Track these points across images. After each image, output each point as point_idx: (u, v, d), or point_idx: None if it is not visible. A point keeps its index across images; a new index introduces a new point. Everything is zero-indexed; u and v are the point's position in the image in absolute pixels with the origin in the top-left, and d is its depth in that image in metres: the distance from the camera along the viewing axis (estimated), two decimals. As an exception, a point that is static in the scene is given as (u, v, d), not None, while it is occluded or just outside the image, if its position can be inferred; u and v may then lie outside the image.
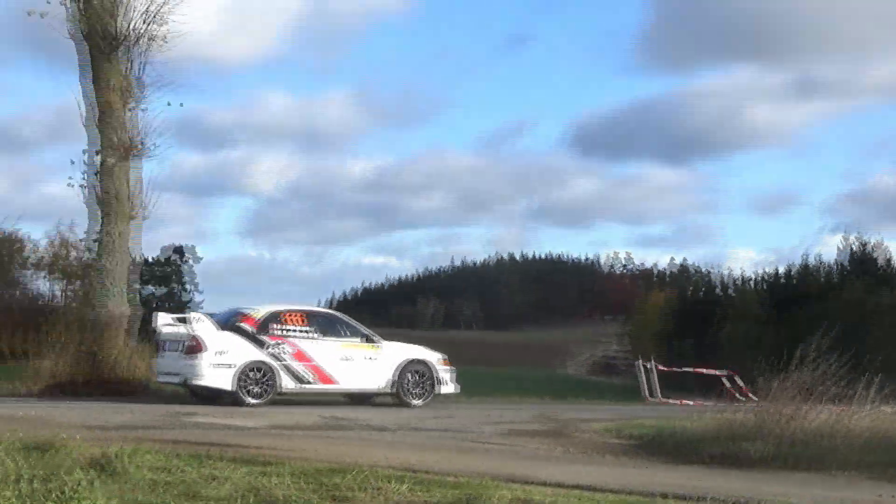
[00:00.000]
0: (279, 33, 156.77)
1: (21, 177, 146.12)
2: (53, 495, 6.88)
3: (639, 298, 65.96)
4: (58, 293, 79.90)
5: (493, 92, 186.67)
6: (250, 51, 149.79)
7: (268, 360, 17.29)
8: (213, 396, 17.10)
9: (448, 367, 18.73)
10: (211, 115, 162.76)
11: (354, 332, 18.29)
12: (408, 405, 17.90)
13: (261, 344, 17.37)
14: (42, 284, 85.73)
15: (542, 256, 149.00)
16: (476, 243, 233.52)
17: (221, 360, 17.06)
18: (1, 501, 6.58)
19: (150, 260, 75.80)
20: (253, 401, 16.94)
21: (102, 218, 20.13)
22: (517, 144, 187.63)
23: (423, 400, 18.19)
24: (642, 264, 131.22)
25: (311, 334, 17.80)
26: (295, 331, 17.71)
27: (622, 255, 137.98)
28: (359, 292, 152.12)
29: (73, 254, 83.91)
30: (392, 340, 18.93)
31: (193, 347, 17.09)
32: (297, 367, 17.50)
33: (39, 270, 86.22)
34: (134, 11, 20.39)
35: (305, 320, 17.95)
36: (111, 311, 19.71)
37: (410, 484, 8.00)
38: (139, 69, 20.69)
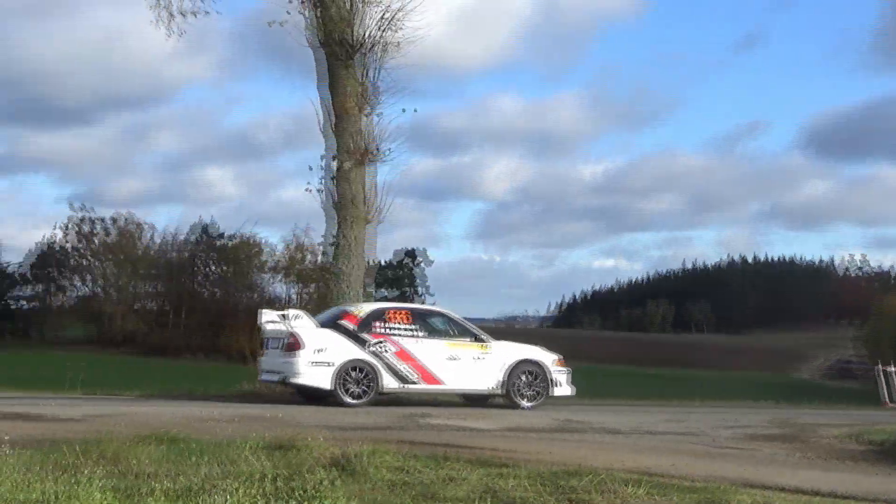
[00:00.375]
0: (510, 36, 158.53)
1: (259, 182, 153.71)
2: (297, 494, 7.07)
3: (875, 301, 62.85)
4: (293, 296, 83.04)
5: (724, 93, 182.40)
6: (482, 54, 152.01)
7: (369, 358, 16.95)
8: (319, 396, 16.86)
9: (563, 369, 17.96)
10: (443, 119, 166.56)
11: (463, 331, 17.79)
12: (517, 407, 17.24)
13: (362, 342, 17.04)
14: (279, 287, 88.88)
15: (775, 259, 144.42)
16: (706, 246, 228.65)
17: (320, 357, 16.77)
18: (247, 500, 6.79)
19: (384, 263, 77.86)
20: (352, 401, 16.57)
21: (339, 222, 20.70)
22: (749, 146, 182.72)
23: (535, 402, 17.45)
24: (879, 266, 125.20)
25: (415, 333, 17.36)
26: (398, 329, 17.32)
27: (857, 258, 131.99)
28: (588, 295, 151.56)
29: (309, 257, 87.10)
30: (504, 340, 18.50)
31: (292, 345, 16.83)
32: (400, 366, 17.10)
33: (276, 274, 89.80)
34: (370, 19, 20.88)
35: (410, 318, 17.58)
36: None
37: (647, 488, 7.82)
38: (374, 75, 21.14)
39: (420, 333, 17.35)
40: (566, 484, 7.83)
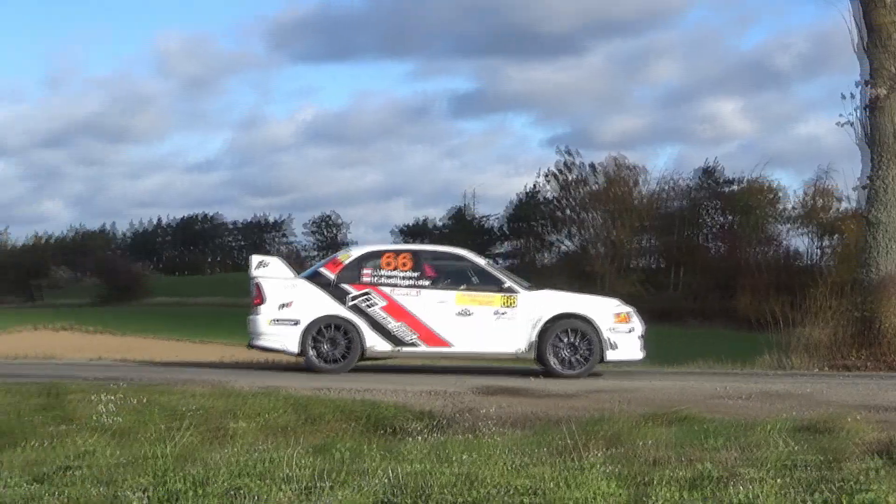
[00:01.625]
0: None
1: (772, 116, 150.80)
2: (832, 486, 7.06)
3: None
4: (815, 250, 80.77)
5: None
6: None
7: (346, 314, 16.24)
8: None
9: (626, 325, 16.15)
10: None
11: (487, 279, 16.51)
12: (556, 375, 15.70)
13: (341, 295, 16.32)
14: (797, 241, 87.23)
15: None
16: None
17: (284, 314, 16.27)
18: (772, 493, 6.89)
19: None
20: (326, 366, 16.04)
21: (873, 162, 19.97)
22: None
23: (578, 369, 15.86)
24: None
25: (416, 282, 16.37)
26: (393, 277, 16.41)
27: None
28: None
29: (834, 204, 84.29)
30: (544, 289, 16.84)
31: (254, 299, 16.51)
32: (390, 323, 16.26)
33: (789, 224, 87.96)
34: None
35: (411, 263, 16.52)
36: (884, 272, 19.47)
37: None
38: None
39: (423, 283, 16.44)
40: None
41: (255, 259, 17.06)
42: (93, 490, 6.64)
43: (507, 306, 16.18)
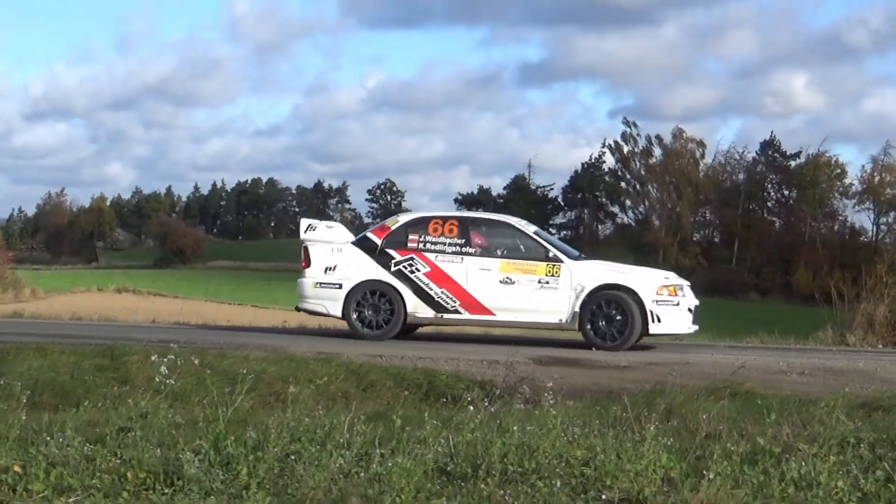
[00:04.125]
0: None
1: (840, 91, 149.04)
2: (885, 464, 7.02)
3: None
4: (876, 226, 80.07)
5: None
6: None
7: (389, 279, 16.18)
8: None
9: (672, 298, 15.70)
10: None
11: (534, 248, 16.20)
12: (595, 346, 15.41)
13: (386, 260, 16.23)
14: (859, 216, 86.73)
15: None
16: None
17: (329, 278, 16.30)
18: (825, 468, 6.85)
19: None
20: (369, 332, 16.02)
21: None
22: None
23: (616, 342, 15.49)
24: None
25: (461, 248, 16.19)
26: (438, 244, 16.24)
27: None
28: None
29: (891, 179, 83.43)
30: (592, 259, 16.66)
31: (302, 262, 16.59)
32: (433, 289, 16.12)
33: (854, 199, 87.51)
34: None
35: (457, 230, 16.33)
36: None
37: None
38: None
39: (469, 250, 16.24)
40: None
41: (304, 223, 17.05)
42: (149, 452, 6.72)
43: (551, 276, 15.95)
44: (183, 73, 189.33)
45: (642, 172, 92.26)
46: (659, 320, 15.60)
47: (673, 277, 16.46)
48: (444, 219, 16.70)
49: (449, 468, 6.78)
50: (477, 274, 16.14)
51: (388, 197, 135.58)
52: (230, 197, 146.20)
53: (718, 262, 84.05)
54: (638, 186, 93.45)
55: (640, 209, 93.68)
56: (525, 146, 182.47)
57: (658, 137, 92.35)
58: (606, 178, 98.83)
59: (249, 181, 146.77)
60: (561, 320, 15.93)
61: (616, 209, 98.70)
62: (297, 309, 17.14)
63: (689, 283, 16.50)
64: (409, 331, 17.09)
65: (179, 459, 6.58)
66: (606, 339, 15.61)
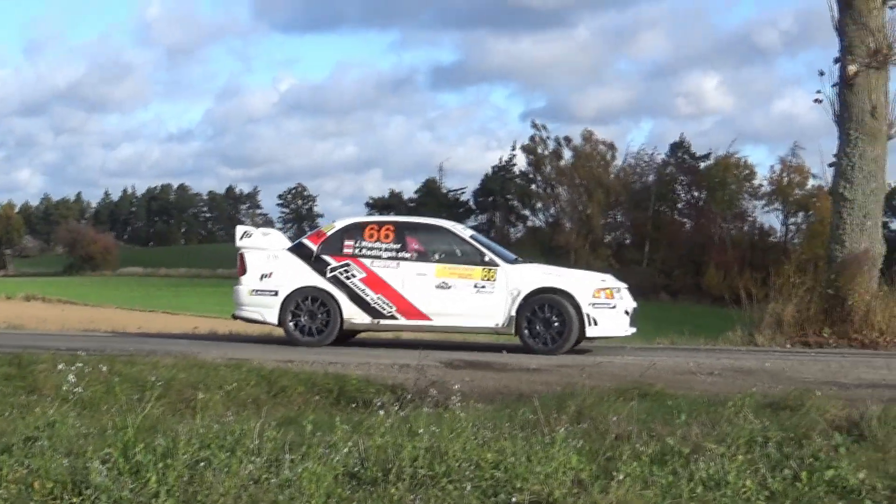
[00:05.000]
0: None
1: (751, 92, 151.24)
2: (792, 462, 7.15)
3: None
4: (784, 227, 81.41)
5: None
6: None
7: (326, 286, 16.23)
8: None
9: (609, 300, 15.83)
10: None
11: (471, 253, 16.28)
12: (532, 350, 15.50)
13: (321, 266, 16.32)
14: (768, 217, 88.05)
15: None
16: None
17: (265, 285, 16.35)
18: (733, 467, 6.94)
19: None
20: (306, 338, 16.08)
21: (843, 138, 20.02)
22: None
23: (552, 345, 15.58)
24: None
25: (397, 254, 16.26)
26: (374, 249, 16.34)
27: None
28: None
29: (803, 182, 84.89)
30: (527, 263, 16.90)
31: (238, 270, 16.72)
32: (370, 295, 16.18)
33: (763, 200, 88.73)
34: None
35: (393, 234, 16.42)
36: (854, 249, 19.58)
37: None
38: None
39: (405, 255, 16.29)
40: None
41: (240, 230, 17.07)
42: (56, 461, 6.62)
43: (487, 280, 15.97)
44: (93, 77, 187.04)
45: (553, 175, 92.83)
46: (596, 323, 15.65)
47: (610, 280, 16.51)
48: (380, 224, 16.77)
49: (359, 473, 6.76)
50: (413, 279, 16.13)
51: (300, 202, 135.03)
52: (140, 203, 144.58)
53: (630, 264, 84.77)
54: (549, 189, 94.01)
55: (552, 212, 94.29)
56: (438, 149, 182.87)
57: (567, 139, 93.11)
58: (517, 181, 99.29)
59: (160, 187, 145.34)
60: (497, 324, 15.97)
61: (527, 212, 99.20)
62: (234, 317, 17.06)
63: (626, 286, 16.61)
64: (348, 337, 17.03)
65: (87, 468, 6.48)
66: (544, 343, 15.64)
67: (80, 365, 8.71)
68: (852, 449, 7.71)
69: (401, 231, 16.54)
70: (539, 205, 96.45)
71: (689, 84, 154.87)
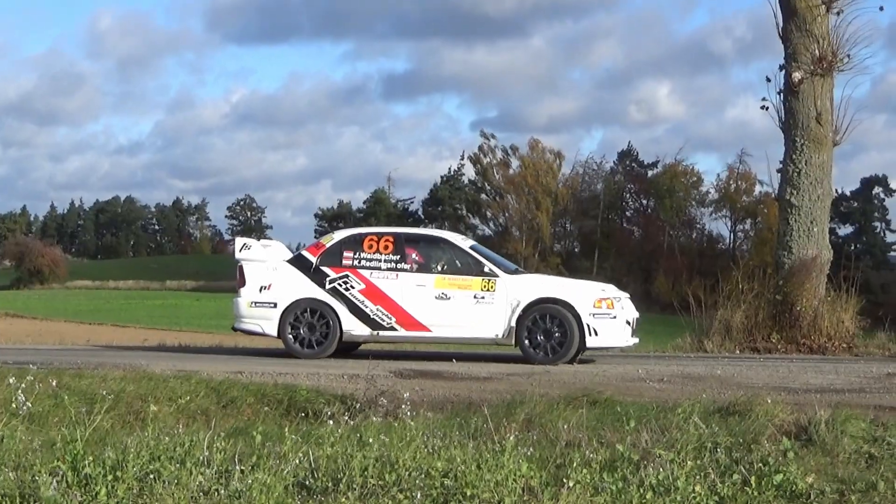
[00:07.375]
0: None
1: (702, 101, 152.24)
2: (742, 467, 7.21)
3: None
4: (733, 234, 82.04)
5: None
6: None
7: (324, 297, 16.11)
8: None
9: (610, 311, 15.71)
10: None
11: (471, 264, 16.17)
12: (533, 361, 15.40)
13: (320, 278, 16.23)
14: (716, 224, 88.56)
15: None
16: None
17: (264, 297, 16.25)
18: (682, 473, 7.00)
19: (840, 193, 75.06)
20: (305, 350, 15.98)
21: (789, 145, 20.21)
22: None
23: (552, 356, 15.44)
24: None
25: (396, 265, 16.14)
26: (373, 260, 16.22)
27: None
28: None
29: (750, 188, 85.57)
30: (528, 273, 17.01)
31: (237, 282, 16.65)
32: (369, 306, 16.05)
33: (711, 207, 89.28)
34: None
35: (392, 247, 16.30)
36: (801, 255, 19.74)
37: None
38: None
39: (404, 266, 16.18)
40: None
41: (239, 242, 16.98)
42: (4, 475, 6.56)
43: (487, 290, 15.85)
44: (43, 89, 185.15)
45: (501, 184, 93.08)
46: (596, 333, 15.52)
47: (610, 290, 16.46)
48: (380, 235, 16.65)
49: (309, 483, 6.75)
50: (412, 290, 16.01)
51: (249, 213, 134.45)
52: (88, 216, 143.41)
53: (579, 272, 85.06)
54: (497, 198, 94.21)
55: (500, 220, 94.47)
56: (389, 159, 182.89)
57: (514, 148, 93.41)
58: (466, 190, 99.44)
59: (108, 200, 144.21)
60: (497, 335, 15.87)
61: (476, 221, 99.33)
62: (234, 329, 16.95)
63: (628, 295, 16.60)
64: (349, 349, 16.89)
65: (36, 482, 6.43)
66: (545, 354, 15.51)
67: (30, 378, 8.59)
68: (801, 453, 7.80)
69: (400, 242, 16.44)
70: (488, 214, 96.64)
71: (642, 92, 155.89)
